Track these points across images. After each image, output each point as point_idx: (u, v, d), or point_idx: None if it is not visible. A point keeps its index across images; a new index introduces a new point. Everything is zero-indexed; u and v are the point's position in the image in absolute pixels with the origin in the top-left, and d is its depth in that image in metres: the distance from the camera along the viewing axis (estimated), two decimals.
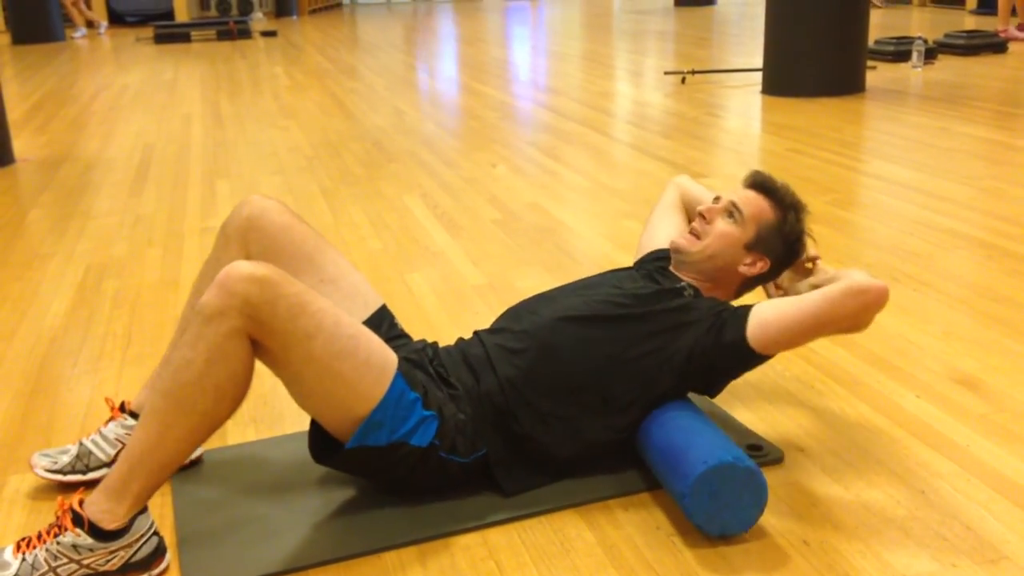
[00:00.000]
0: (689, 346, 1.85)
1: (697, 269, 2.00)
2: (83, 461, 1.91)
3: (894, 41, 7.46)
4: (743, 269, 1.99)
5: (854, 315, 1.81)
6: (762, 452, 1.93)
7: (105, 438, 1.94)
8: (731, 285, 2.02)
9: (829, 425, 2.08)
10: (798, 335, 1.83)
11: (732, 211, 1.98)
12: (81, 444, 1.94)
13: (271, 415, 2.21)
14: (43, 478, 1.91)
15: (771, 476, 1.88)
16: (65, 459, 1.91)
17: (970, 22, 9.91)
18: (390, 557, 1.69)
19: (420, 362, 1.87)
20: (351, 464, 1.78)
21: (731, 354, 1.85)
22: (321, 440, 1.77)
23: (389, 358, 1.73)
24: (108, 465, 1.90)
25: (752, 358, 1.86)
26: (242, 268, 1.59)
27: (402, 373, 1.73)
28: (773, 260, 2.00)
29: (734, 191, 2.03)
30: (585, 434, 1.85)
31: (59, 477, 1.90)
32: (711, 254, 1.97)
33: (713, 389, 1.94)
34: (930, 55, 7.22)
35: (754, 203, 1.99)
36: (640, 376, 1.85)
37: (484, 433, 1.82)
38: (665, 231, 2.21)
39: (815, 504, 1.79)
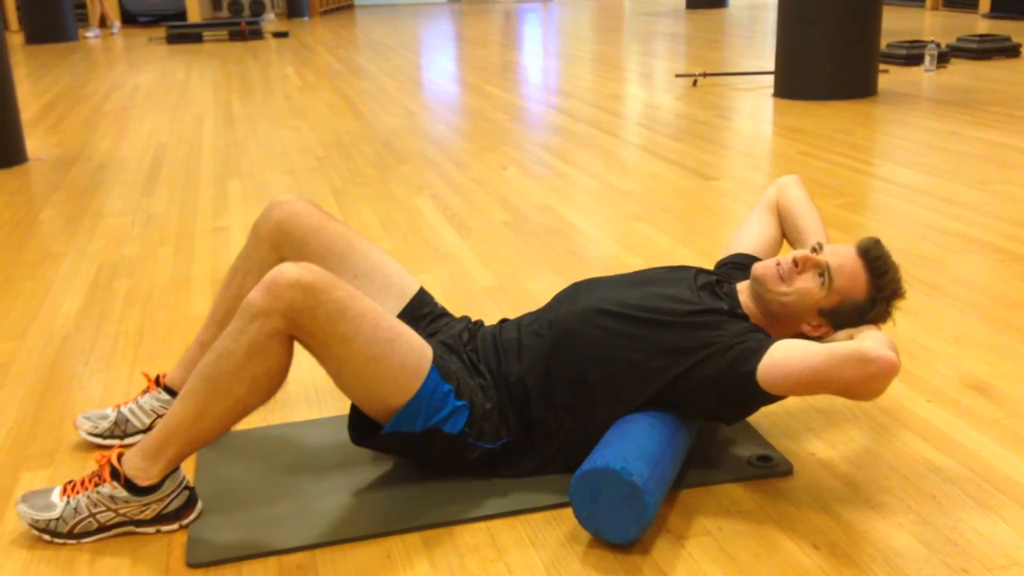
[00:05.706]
0: (706, 372, 1.79)
1: (764, 305, 1.90)
2: (121, 428, 2.10)
3: (906, 45, 7.45)
4: (805, 328, 1.91)
5: (856, 383, 1.66)
6: (771, 463, 1.92)
7: (141, 408, 2.11)
8: (785, 332, 1.91)
9: (839, 429, 2.07)
10: (798, 385, 1.71)
11: (824, 273, 1.87)
12: (119, 411, 2.11)
13: (287, 401, 2.22)
14: (85, 440, 2.09)
15: (782, 478, 1.88)
16: (105, 424, 2.09)
17: (983, 26, 9.88)
18: (394, 542, 1.73)
19: (456, 347, 1.95)
20: (386, 446, 1.88)
21: (740, 384, 1.76)
22: (360, 422, 1.86)
23: (424, 356, 1.80)
24: (143, 432, 2.08)
25: (759, 394, 1.76)
26: (289, 274, 1.67)
27: (437, 367, 1.81)
28: (837, 329, 1.90)
29: (838, 250, 1.90)
30: (593, 431, 1.85)
31: (99, 440, 2.09)
32: (786, 303, 1.87)
33: (726, 418, 1.90)
34: (942, 59, 7.21)
35: (850, 277, 1.87)
36: (653, 385, 1.82)
37: (507, 420, 1.88)
38: (754, 235, 2.18)
39: (825, 508, 1.79)
